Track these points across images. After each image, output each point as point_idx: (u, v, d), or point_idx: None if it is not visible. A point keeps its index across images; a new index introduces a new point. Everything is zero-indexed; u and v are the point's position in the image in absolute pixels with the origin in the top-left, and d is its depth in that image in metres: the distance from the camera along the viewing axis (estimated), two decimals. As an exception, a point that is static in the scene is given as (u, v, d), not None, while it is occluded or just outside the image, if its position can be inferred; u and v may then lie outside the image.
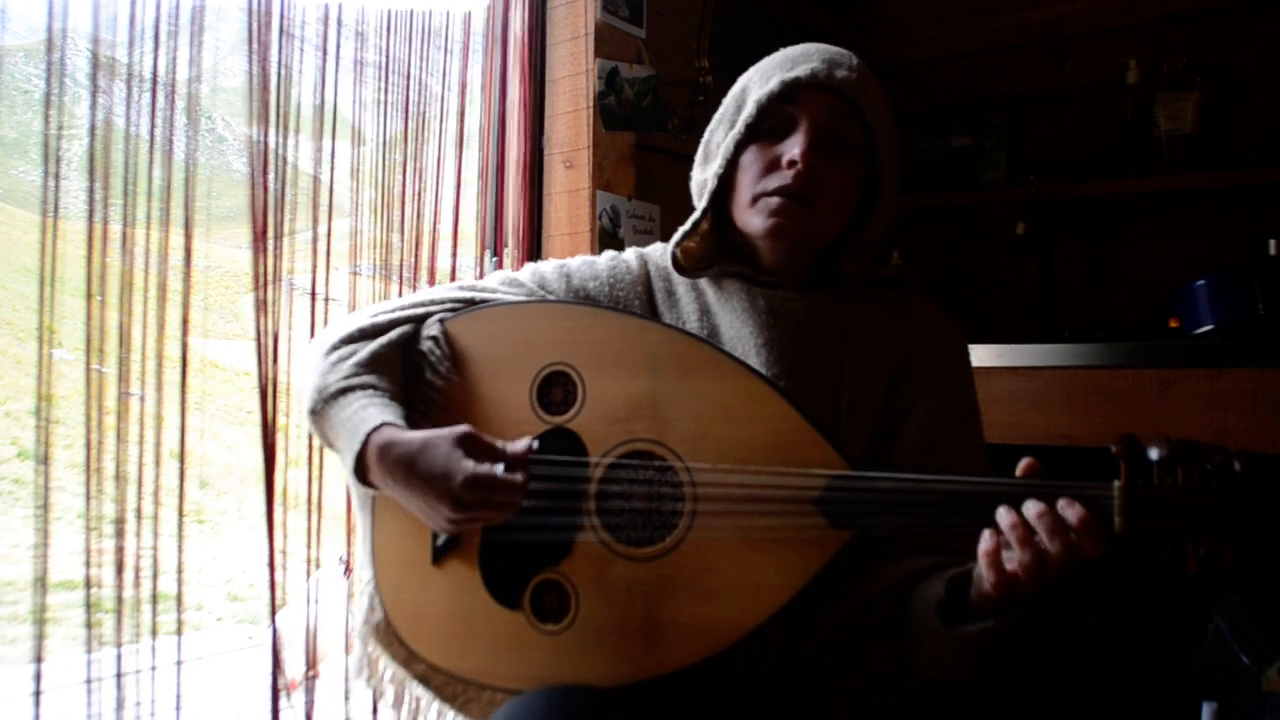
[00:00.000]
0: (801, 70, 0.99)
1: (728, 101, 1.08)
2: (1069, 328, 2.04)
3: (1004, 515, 0.80)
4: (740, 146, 1.03)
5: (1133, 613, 1.83)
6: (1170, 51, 2.02)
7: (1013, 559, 0.79)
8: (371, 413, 0.93)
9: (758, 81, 1.04)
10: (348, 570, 1.79)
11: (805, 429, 0.91)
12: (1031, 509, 0.79)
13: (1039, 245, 2.11)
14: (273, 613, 1.67)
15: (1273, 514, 0.76)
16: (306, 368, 1.01)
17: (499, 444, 0.90)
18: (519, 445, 0.90)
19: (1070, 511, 0.77)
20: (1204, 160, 2.00)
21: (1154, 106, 2.03)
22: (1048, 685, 1.80)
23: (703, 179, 1.08)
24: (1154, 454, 0.78)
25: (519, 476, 0.88)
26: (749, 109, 1.01)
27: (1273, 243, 1.78)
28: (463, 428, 0.90)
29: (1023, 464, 0.82)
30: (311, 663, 1.70)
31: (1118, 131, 2.11)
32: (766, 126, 1.02)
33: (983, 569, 0.80)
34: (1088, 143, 2.20)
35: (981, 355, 1.69)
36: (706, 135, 1.10)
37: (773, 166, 1.01)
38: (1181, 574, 0.77)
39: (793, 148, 0.99)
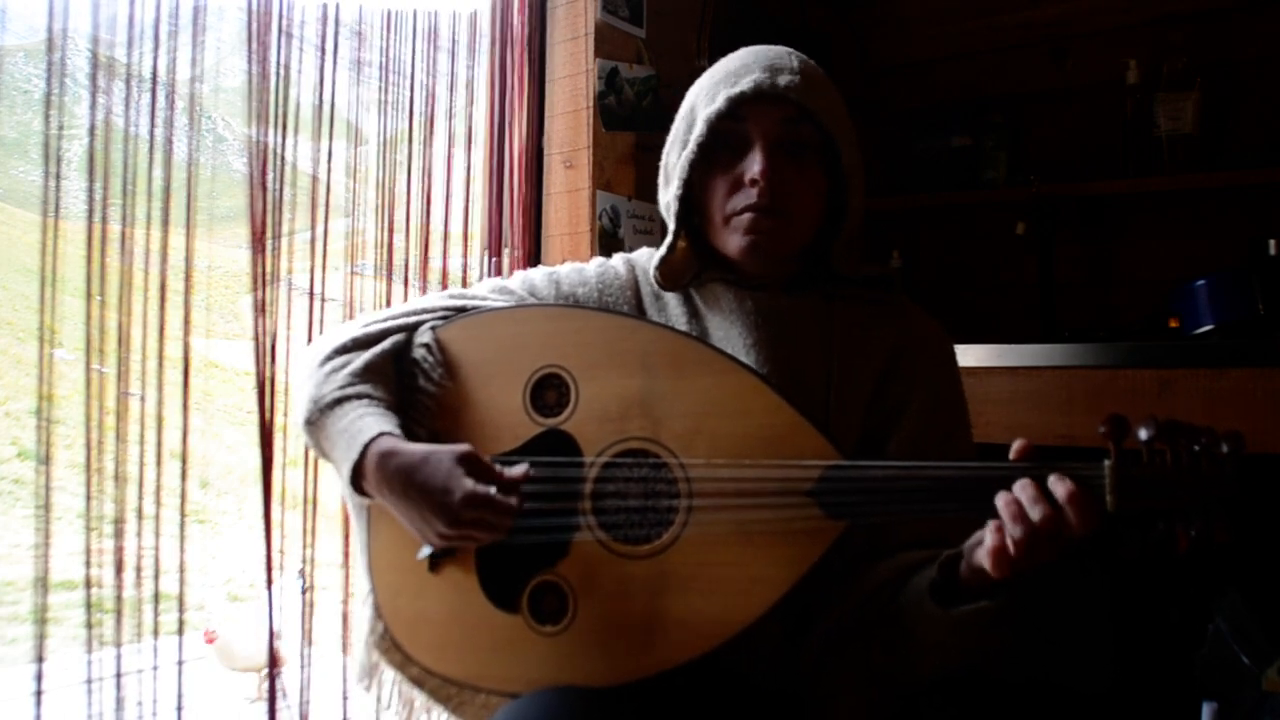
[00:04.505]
0: (745, 85, 0.99)
1: (678, 122, 1.09)
2: (1069, 328, 2.04)
3: (999, 496, 0.80)
4: (694, 166, 1.03)
5: (1134, 613, 1.83)
6: (1170, 51, 2.02)
7: (1008, 535, 0.79)
8: (369, 422, 0.94)
9: (704, 100, 1.04)
10: (308, 586, 1.79)
11: (798, 422, 0.91)
12: (1021, 487, 0.79)
13: (1039, 245, 2.11)
14: (271, 615, 1.67)
15: (1258, 493, 0.76)
16: (300, 379, 1.02)
17: (497, 467, 0.91)
18: (516, 470, 0.91)
19: (1060, 487, 0.78)
20: (1204, 160, 1.99)
21: (1154, 106, 2.02)
22: (1048, 684, 1.80)
23: (666, 201, 1.09)
24: (1143, 434, 0.78)
25: (513, 500, 0.89)
26: (699, 128, 1.02)
27: (1273, 243, 1.78)
28: (464, 446, 0.91)
29: (1016, 445, 0.82)
30: (272, 664, 1.68)
31: (1118, 131, 2.11)
32: (721, 144, 1.02)
33: (988, 566, 0.80)
34: (1088, 143, 2.20)
35: (981, 355, 1.69)
36: (663, 157, 1.11)
37: (736, 186, 1.02)
38: (1173, 553, 0.77)
39: (752, 166, 0.99)
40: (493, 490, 0.89)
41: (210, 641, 2.12)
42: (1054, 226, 2.11)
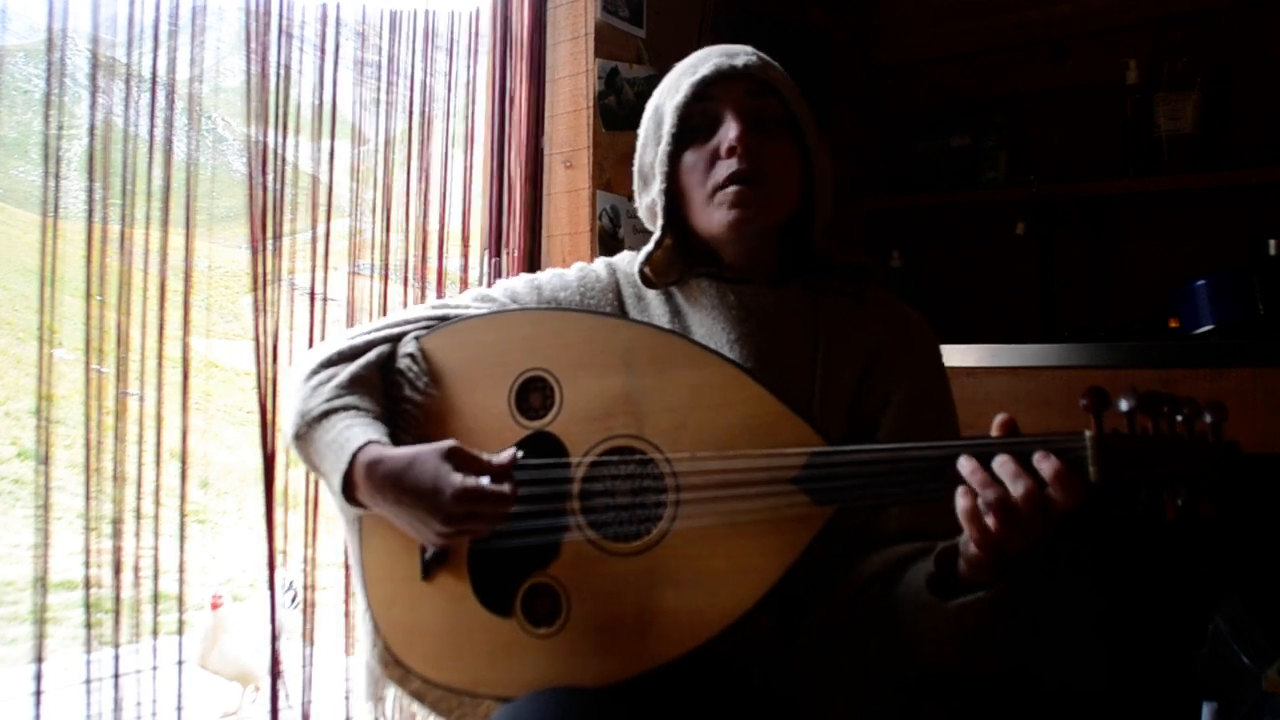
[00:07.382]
0: (705, 69, 1.03)
1: (646, 123, 1.10)
2: (1069, 328, 2.04)
3: (965, 464, 0.80)
4: (673, 159, 1.05)
5: (1132, 612, 1.83)
6: (1170, 51, 2.02)
7: (989, 517, 0.79)
8: (356, 432, 0.94)
9: (669, 94, 1.06)
10: (298, 599, 1.78)
11: (781, 411, 0.91)
12: (1001, 465, 0.78)
13: (1039, 245, 2.11)
14: (272, 614, 1.67)
15: (1241, 462, 0.76)
16: (288, 395, 1.02)
17: (484, 456, 0.90)
18: (504, 456, 0.91)
19: (1045, 464, 0.77)
20: (1204, 160, 2.00)
21: (1154, 106, 2.03)
22: (1045, 681, 1.80)
23: (649, 201, 1.10)
24: (1124, 405, 0.78)
25: (506, 487, 0.89)
26: (669, 120, 1.04)
27: (1273, 243, 1.78)
28: (449, 442, 0.91)
29: (999, 420, 0.82)
30: (274, 667, 1.68)
31: (1118, 131, 2.11)
32: (691, 130, 1.04)
33: (965, 528, 0.80)
34: (1088, 143, 2.20)
35: (981, 355, 1.69)
36: (636, 161, 1.12)
37: (714, 160, 1.03)
38: (1161, 523, 0.77)
39: (727, 134, 1.01)
40: (485, 481, 0.88)
41: (216, 608, 2.10)
42: (1054, 226, 2.11)
